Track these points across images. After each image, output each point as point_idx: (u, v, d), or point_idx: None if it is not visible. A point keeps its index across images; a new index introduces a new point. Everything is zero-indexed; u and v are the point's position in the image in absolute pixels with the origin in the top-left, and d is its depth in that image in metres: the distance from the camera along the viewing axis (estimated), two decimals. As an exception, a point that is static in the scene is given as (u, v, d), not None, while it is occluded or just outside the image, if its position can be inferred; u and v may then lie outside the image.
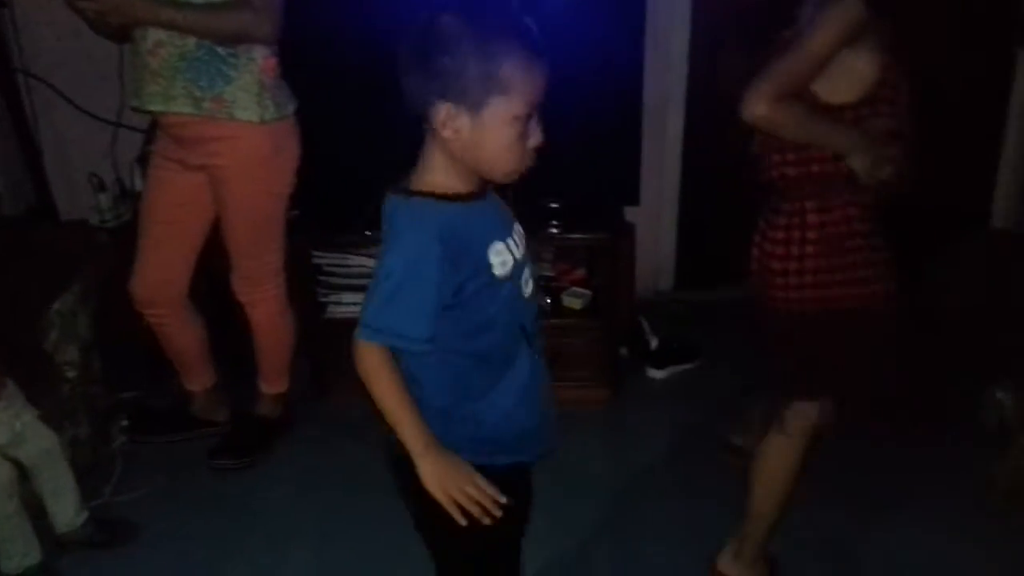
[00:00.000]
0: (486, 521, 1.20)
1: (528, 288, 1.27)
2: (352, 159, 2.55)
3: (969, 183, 3.12)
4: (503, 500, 1.21)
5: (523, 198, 2.58)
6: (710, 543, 1.93)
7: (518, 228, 1.27)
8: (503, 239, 1.22)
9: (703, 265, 3.28)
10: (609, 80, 2.57)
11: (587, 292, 2.67)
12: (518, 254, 1.23)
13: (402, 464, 1.22)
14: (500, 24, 1.13)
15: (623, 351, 2.84)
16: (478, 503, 1.19)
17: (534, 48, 1.13)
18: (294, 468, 2.42)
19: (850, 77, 1.53)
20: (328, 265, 2.65)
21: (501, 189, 1.27)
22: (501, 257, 1.20)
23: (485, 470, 1.23)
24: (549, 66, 1.14)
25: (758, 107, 1.50)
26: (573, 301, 2.65)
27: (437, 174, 1.19)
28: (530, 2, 2.42)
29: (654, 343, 2.81)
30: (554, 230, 2.64)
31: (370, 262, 2.68)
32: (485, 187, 1.23)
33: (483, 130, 1.14)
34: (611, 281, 2.71)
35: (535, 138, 1.17)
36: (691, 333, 2.92)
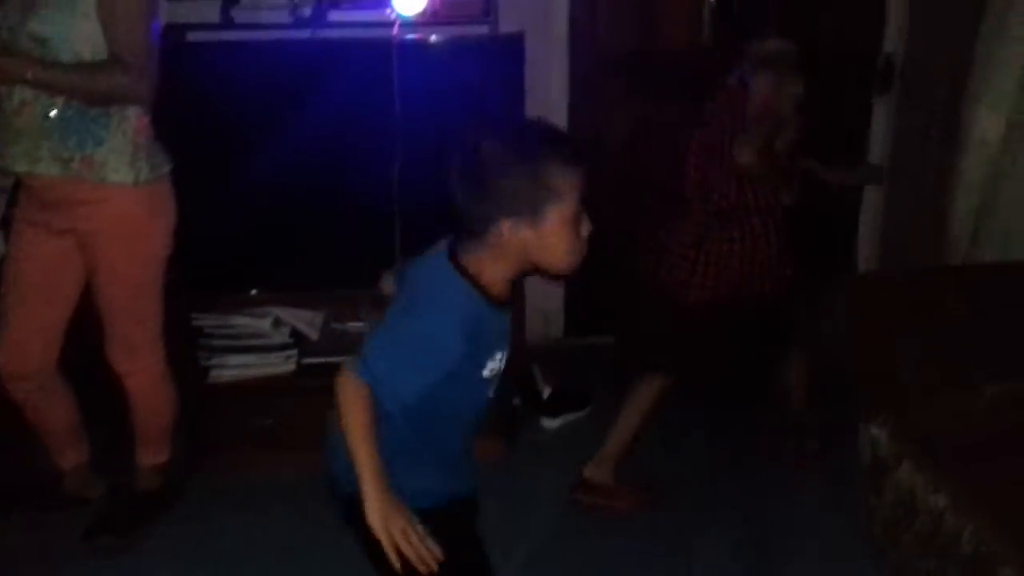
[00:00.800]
0: (421, 568, 1.21)
1: (490, 372, 1.33)
2: (230, 218, 2.51)
3: (833, 230, 3.27)
4: (439, 556, 1.22)
5: (414, 251, 2.63)
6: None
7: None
8: (502, 349, 1.32)
9: (592, 311, 3.33)
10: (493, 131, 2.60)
11: (479, 342, 2.66)
12: (502, 364, 1.33)
13: (355, 500, 1.24)
14: (536, 137, 1.25)
15: (516, 401, 2.84)
16: (415, 551, 1.21)
17: (570, 149, 1.24)
18: (176, 542, 2.29)
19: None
20: (210, 327, 2.57)
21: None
22: (493, 364, 1.31)
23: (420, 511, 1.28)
24: (585, 160, 1.24)
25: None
26: (464, 353, 2.63)
27: (485, 265, 1.28)
28: (413, 69, 2.52)
29: (546, 392, 2.82)
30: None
31: (255, 322, 2.61)
32: (512, 294, 1.32)
33: (545, 236, 1.23)
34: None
35: (586, 228, 1.27)
36: (582, 379, 2.94)
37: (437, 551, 1.23)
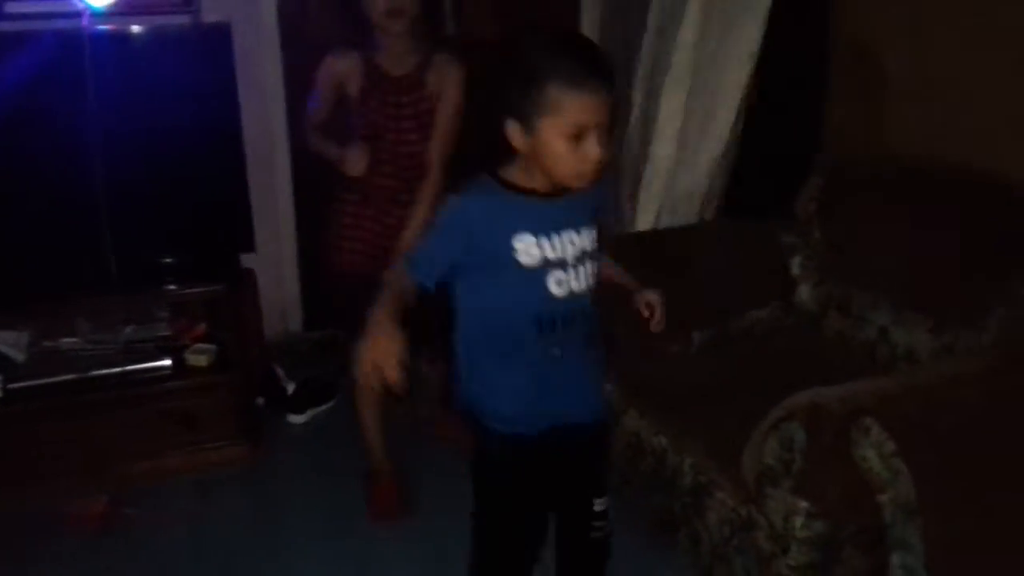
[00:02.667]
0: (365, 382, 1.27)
1: (559, 288, 1.39)
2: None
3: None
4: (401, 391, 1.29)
5: (129, 257, 2.47)
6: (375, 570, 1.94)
7: (575, 235, 1.40)
8: (552, 231, 1.38)
9: (329, 303, 3.30)
10: (206, 127, 2.49)
11: (211, 347, 2.55)
12: (552, 254, 1.38)
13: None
14: (553, 48, 1.32)
15: (259, 401, 2.76)
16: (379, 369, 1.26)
17: (582, 71, 1.28)
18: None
19: None
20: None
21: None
22: (531, 250, 1.37)
23: (487, 431, 1.47)
24: (604, 93, 1.29)
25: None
26: (198, 358, 2.52)
27: (516, 171, 1.40)
28: (110, 63, 2.35)
29: (291, 388, 2.77)
30: (164, 287, 2.51)
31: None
32: (554, 191, 1.38)
33: (539, 146, 1.33)
34: (236, 331, 2.63)
35: (594, 151, 1.30)
36: (325, 372, 2.91)
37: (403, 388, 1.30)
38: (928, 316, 2.04)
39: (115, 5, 2.40)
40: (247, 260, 2.76)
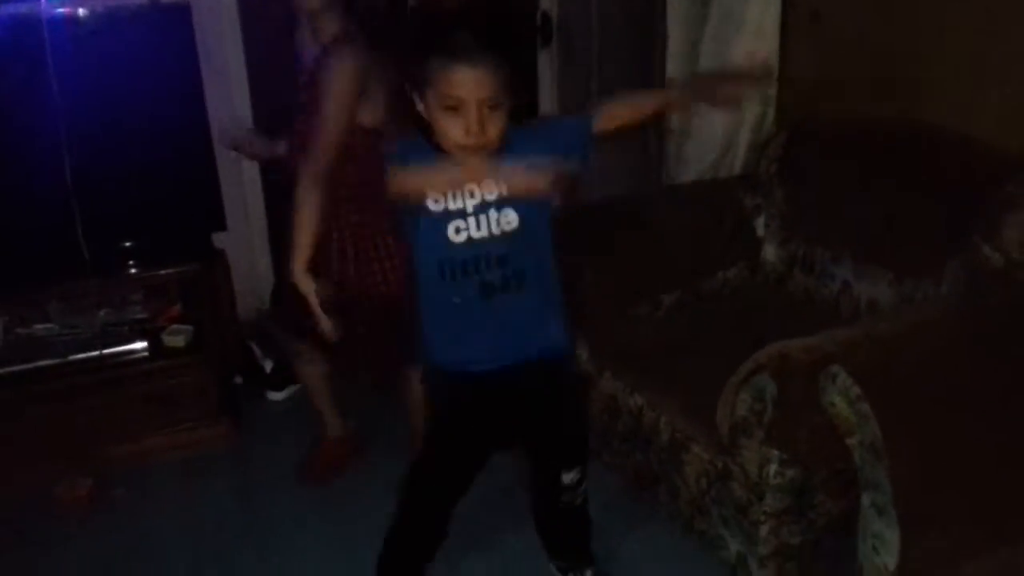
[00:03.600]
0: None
1: (457, 236, 1.49)
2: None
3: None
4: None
5: (100, 240, 2.46)
6: (363, 547, 1.97)
7: (489, 191, 1.48)
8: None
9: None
10: (171, 108, 2.48)
11: (187, 327, 2.56)
12: (452, 204, 1.48)
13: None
14: (441, 25, 1.48)
15: (238, 380, 2.78)
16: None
17: (457, 47, 1.39)
18: None
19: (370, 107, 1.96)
20: None
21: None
22: (439, 199, 1.47)
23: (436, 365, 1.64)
24: (480, 68, 1.38)
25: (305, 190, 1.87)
26: (174, 339, 2.53)
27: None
28: (70, 45, 2.32)
29: (268, 366, 2.79)
30: (136, 269, 2.50)
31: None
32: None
33: (428, 111, 1.45)
34: (210, 311, 2.64)
35: (472, 126, 1.40)
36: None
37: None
38: (888, 269, 2.10)
39: (72, -14, 2.37)
40: (219, 240, 2.76)
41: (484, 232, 1.50)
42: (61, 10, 2.37)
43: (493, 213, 1.50)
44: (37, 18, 2.31)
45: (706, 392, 1.85)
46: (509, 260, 1.53)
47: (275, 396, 2.79)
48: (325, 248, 2.01)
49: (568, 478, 1.75)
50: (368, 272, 2.09)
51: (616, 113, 1.65)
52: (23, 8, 2.34)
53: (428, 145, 1.50)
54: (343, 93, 1.89)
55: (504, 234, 1.51)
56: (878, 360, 1.53)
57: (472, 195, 1.49)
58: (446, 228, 1.50)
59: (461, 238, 1.50)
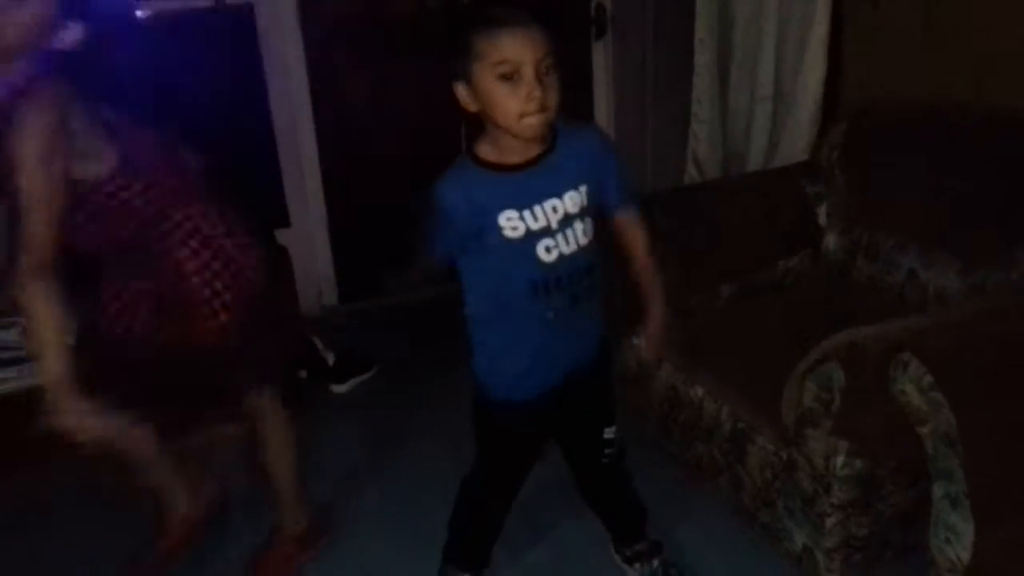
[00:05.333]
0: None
1: (548, 255, 1.46)
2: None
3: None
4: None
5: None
6: (427, 536, 1.97)
7: (558, 201, 1.45)
8: (532, 203, 1.44)
9: (362, 275, 3.37)
10: (238, 111, 2.55)
11: (253, 323, 2.62)
12: (535, 224, 1.44)
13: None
14: (475, 10, 1.56)
15: (302, 373, 2.83)
16: None
17: (498, 14, 1.37)
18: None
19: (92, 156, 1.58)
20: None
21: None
22: (516, 224, 1.43)
23: (490, 400, 1.61)
24: (531, 29, 1.36)
25: (26, 289, 1.48)
26: (241, 334, 2.58)
27: (482, 145, 1.46)
28: (139, 45, 2.38)
29: (331, 359, 2.84)
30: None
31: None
32: (527, 160, 1.44)
33: (481, 95, 1.39)
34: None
35: (533, 89, 1.35)
36: (363, 343, 2.99)
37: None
38: (957, 257, 2.06)
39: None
40: (282, 237, 2.82)
41: (573, 246, 1.48)
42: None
43: (578, 224, 1.48)
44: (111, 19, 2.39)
45: (769, 382, 1.84)
46: (586, 275, 1.53)
47: (338, 389, 2.84)
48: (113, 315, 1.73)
49: (609, 432, 1.76)
50: (172, 321, 1.75)
51: (627, 235, 1.63)
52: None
53: (476, 166, 1.46)
54: (37, 160, 1.46)
55: (582, 248, 1.50)
56: (950, 347, 1.51)
57: (555, 210, 1.46)
58: (534, 250, 1.47)
59: (552, 256, 1.48)
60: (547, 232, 1.46)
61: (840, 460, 1.68)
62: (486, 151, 1.46)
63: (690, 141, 2.79)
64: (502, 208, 1.43)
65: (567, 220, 1.47)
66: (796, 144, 2.66)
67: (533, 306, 1.50)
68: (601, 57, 3.39)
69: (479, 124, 1.47)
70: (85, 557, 2.15)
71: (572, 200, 1.47)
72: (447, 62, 1.42)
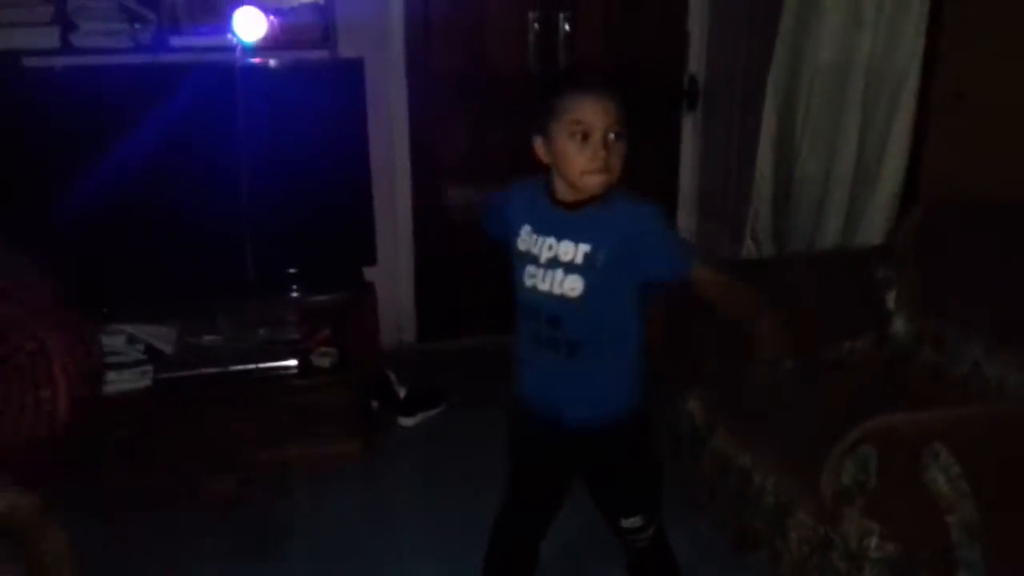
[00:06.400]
0: None
1: (529, 280, 1.60)
2: (79, 241, 2.57)
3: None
4: None
5: (266, 266, 2.72)
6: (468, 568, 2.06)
7: (554, 242, 1.57)
8: (541, 233, 1.59)
9: (441, 317, 3.52)
10: (338, 151, 2.74)
11: (334, 351, 2.79)
12: (533, 249, 1.59)
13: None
14: (566, 73, 1.72)
15: (374, 404, 2.98)
16: None
17: (585, 79, 1.60)
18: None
19: None
20: None
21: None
22: (526, 239, 1.61)
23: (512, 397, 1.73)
24: (606, 99, 1.51)
25: None
26: (322, 360, 2.76)
27: (553, 180, 1.61)
28: (257, 93, 2.60)
29: (402, 393, 2.97)
30: (295, 294, 2.75)
31: (109, 340, 2.65)
32: (569, 202, 1.58)
33: (553, 149, 1.55)
34: (356, 338, 2.86)
35: (598, 150, 1.50)
36: (434, 380, 3.12)
37: None
38: (1022, 351, 2.05)
39: (263, 40, 2.67)
40: (369, 274, 2.99)
41: (547, 286, 1.58)
42: (253, 60, 2.69)
43: (560, 274, 1.57)
44: (233, 67, 2.63)
45: (815, 460, 1.86)
46: (562, 325, 1.59)
47: (406, 422, 2.97)
48: None
49: (628, 523, 1.76)
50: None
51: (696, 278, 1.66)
52: (222, 58, 2.67)
53: (539, 185, 1.63)
54: None
55: (563, 297, 1.57)
56: (984, 439, 1.53)
57: (550, 248, 1.58)
58: (524, 268, 1.62)
59: (530, 283, 1.61)
60: (535, 261, 1.60)
61: (874, 542, 1.69)
62: (551, 181, 1.63)
63: (750, 217, 2.85)
64: (526, 221, 1.62)
65: (553, 262, 1.58)
66: (873, 227, 2.68)
67: (521, 324, 1.65)
68: (689, 128, 3.49)
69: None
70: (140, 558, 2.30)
71: (565, 249, 1.57)
72: (535, 110, 1.58)
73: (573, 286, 1.56)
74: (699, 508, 2.33)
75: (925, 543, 1.67)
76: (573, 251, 1.56)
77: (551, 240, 1.58)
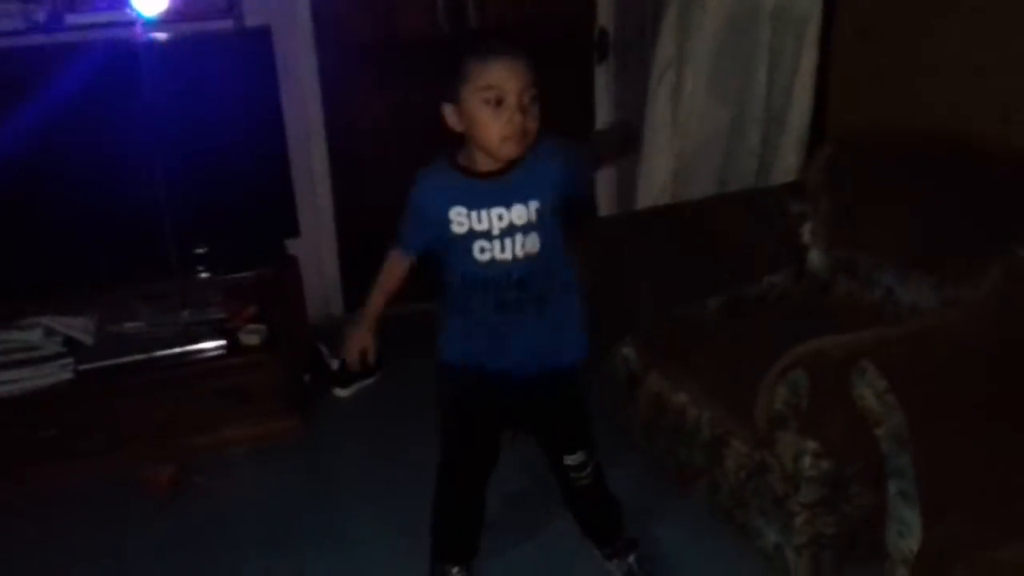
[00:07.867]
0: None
1: (482, 255, 1.60)
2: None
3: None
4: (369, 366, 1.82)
5: (185, 246, 2.65)
6: (424, 537, 2.00)
7: (504, 211, 1.58)
8: (483, 206, 1.58)
9: (367, 286, 3.47)
10: (251, 123, 2.68)
11: (262, 327, 2.75)
12: (478, 226, 1.58)
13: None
14: (473, 36, 1.73)
15: (307, 378, 2.95)
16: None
17: (493, 44, 1.53)
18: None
19: None
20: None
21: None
22: (462, 221, 1.58)
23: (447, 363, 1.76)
24: (517, 61, 1.50)
25: None
26: (250, 338, 2.71)
27: (465, 155, 1.61)
28: (161, 66, 2.51)
29: (335, 364, 2.95)
30: (216, 272, 2.69)
31: (24, 335, 2.54)
32: (491, 171, 1.58)
33: (466, 114, 1.53)
34: (283, 313, 2.82)
35: (514, 116, 1.50)
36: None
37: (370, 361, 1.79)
38: (931, 275, 2.16)
39: (164, 13, 2.58)
40: (292, 247, 2.95)
41: (508, 254, 1.61)
42: (155, 34, 2.60)
43: (519, 237, 1.60)
44: (134, 42, 2.54)
45: (746, 390, 1.93)
46: (528, 284, 1.64)
47: (342, 393, 2.95)
48: None
49: (571, 460, 1.85)
50: None
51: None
52: (122, 33, 2.57)
53: (449, 166, 1.62)
54: None
55: (527, 257, 1.62)
56: (907, 355, 1.61)
57: (501, 217, 1.59)
58: (471, 247, 1.61)
59: (485, 258, 1.61)
60: (486, 235, 1.60)
61: (808, 460, 1.78)
62: (462, 157, 1.62)
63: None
64: (454, 203, 1.60)
65: (510, 230, 1.60)
66: (787, 166, 2.77)
67: (463, 294, 1.66)
68: (603, 80, 3.52)
69: (462, 143, 1.62)
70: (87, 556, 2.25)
71: (519, 213, 1.59)
72: (444, 77, 1.56)
73: (534, 243, 1.61)
74: (637, 449, 2.40)
75: (857, 456, 1.77)
76: (525, 212, 1.59)
77: (499, 210, 1.59)
